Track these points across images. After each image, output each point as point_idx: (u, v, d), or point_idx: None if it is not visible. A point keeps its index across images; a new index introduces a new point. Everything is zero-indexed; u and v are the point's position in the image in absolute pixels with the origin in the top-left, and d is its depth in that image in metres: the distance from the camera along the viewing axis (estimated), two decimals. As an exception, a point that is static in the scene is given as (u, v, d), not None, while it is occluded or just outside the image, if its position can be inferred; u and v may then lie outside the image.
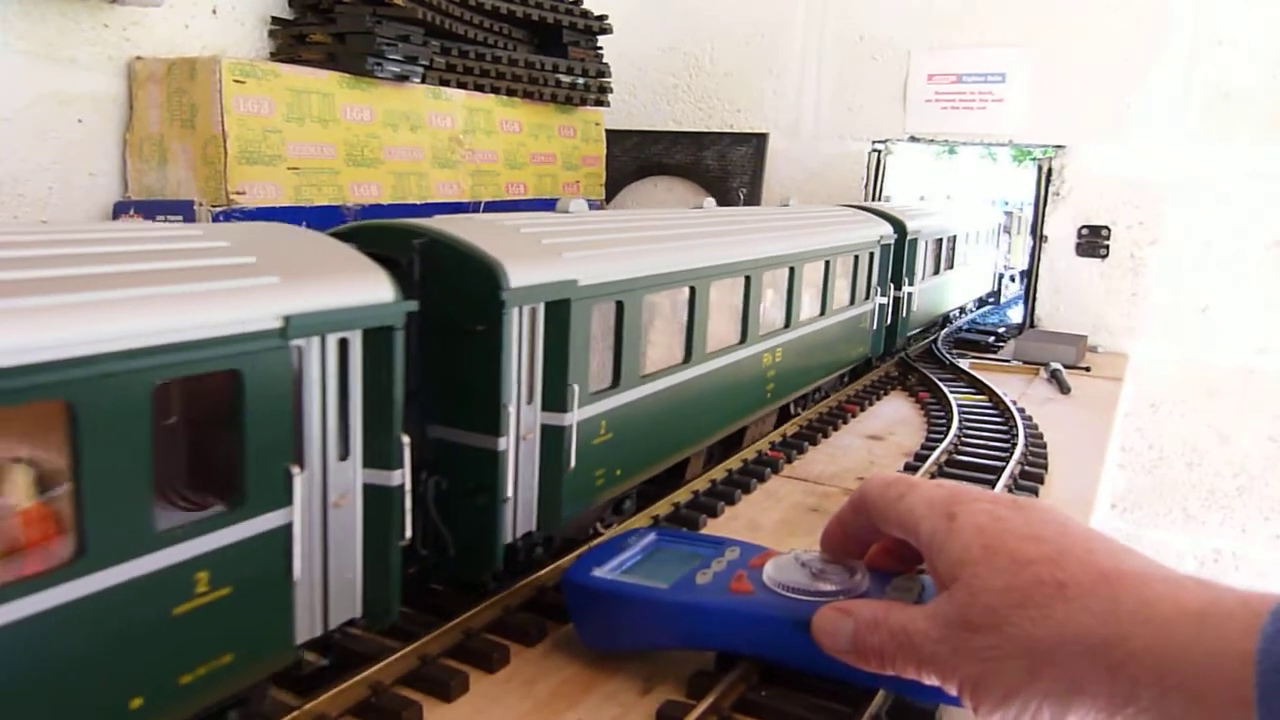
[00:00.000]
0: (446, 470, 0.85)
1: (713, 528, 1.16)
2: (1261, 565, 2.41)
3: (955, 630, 0.55)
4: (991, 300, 3.25)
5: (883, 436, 1.63)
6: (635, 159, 2.96)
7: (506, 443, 0.84)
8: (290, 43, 1.91)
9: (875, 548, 0.73)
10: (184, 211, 1.63)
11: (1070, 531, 0.56)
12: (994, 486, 1.30)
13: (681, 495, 1.20)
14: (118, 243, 0.61)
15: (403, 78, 1.91)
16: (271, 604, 0.65)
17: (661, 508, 1.17)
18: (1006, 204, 3.42)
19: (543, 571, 0.93)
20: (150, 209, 1.67)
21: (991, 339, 2.56)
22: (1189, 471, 2.46)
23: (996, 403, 1.77)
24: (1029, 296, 2.61)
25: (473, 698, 0.76)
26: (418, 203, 2.01)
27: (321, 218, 1.74)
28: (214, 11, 1.86)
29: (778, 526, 1.19)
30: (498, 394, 0.83)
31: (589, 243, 0.97)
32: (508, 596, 0.88)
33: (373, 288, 0.70)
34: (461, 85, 2.11)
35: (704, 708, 0.71)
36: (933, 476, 1.37)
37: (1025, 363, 2.23)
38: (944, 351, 2.25)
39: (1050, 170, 2.52)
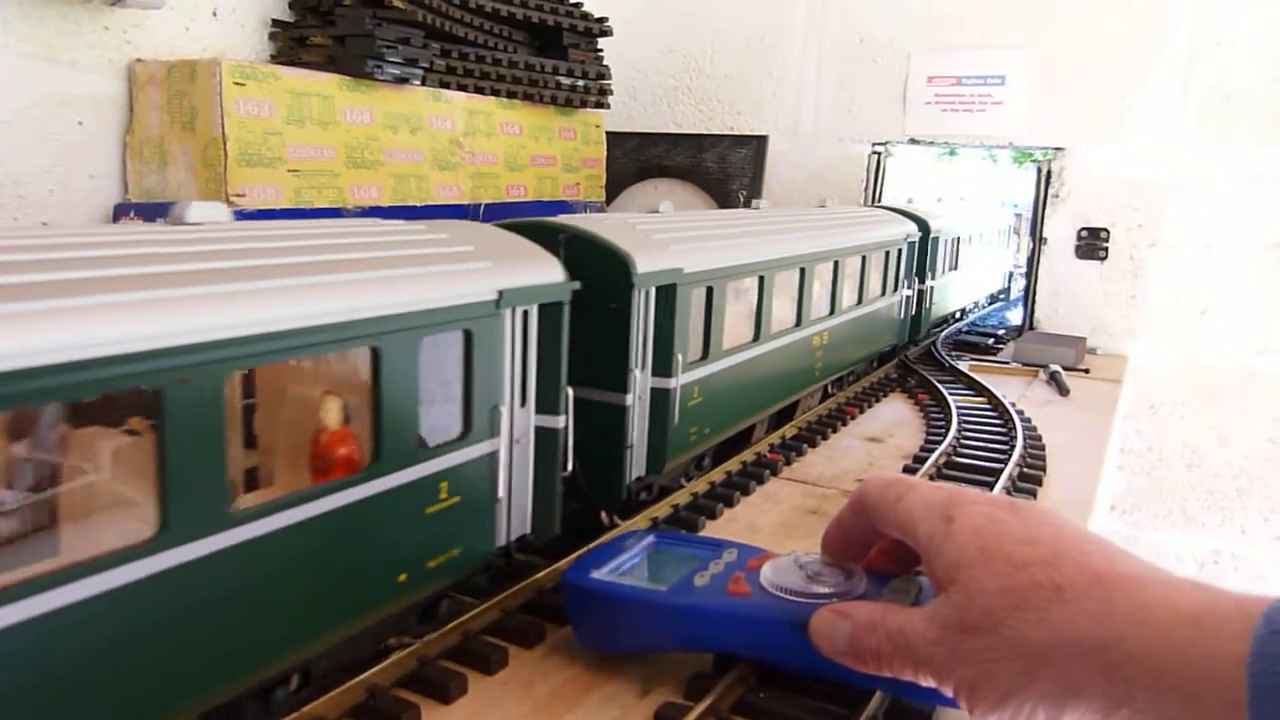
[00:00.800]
0: (579, 422, 0.98)
1: (711, 530, 1.16)
2: (1260, 567, 2.41)
3: (952, 632, 0.56)
4: (1003, 295, 3.32)
5: (882, 438, 1.63)
6: (635, 161, 2.96)
7: (631, 399, 1.03)
8: (290, 45, 1.91)
9: (875, 549, 0.73)
10: (184, 214, 1.62)
11: (1067, 534, 0.56)
12: (992, 488, 1.31)
13: (681, 497, 1.21)
14: (378, 234, 0.79)
15: (403, 80, 1.92)
16: (484, 512, 0.84)
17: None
18: (1016, 206, 3.46)
19: (540, 574, 0.93)
20: (150, 211, 1.67)
21: (990, 341, 2.56)
22: (1188, 473, 2.46)
23: (995, 405, 1.77)
24: (1028, 298, 2.61)
25: (471, 700, 0.77)
26: (417, 205, 2.01)
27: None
28: (214, 14, 1.86)
29: (776, 528, 1.19)
30: (626, 360, 1.03)
31: (687, 237, 1.16)
32: (506, 599, 0.89)
33: (549, 271, 0.88)
34: (461, 87, 2.11)
35: (702, 709, 0.72)
36: (932, 478, 1.37)
37: (1024, 365, 2.22)
38: (943, 353, 2.25)
39: (1050, 172, 2.52)
